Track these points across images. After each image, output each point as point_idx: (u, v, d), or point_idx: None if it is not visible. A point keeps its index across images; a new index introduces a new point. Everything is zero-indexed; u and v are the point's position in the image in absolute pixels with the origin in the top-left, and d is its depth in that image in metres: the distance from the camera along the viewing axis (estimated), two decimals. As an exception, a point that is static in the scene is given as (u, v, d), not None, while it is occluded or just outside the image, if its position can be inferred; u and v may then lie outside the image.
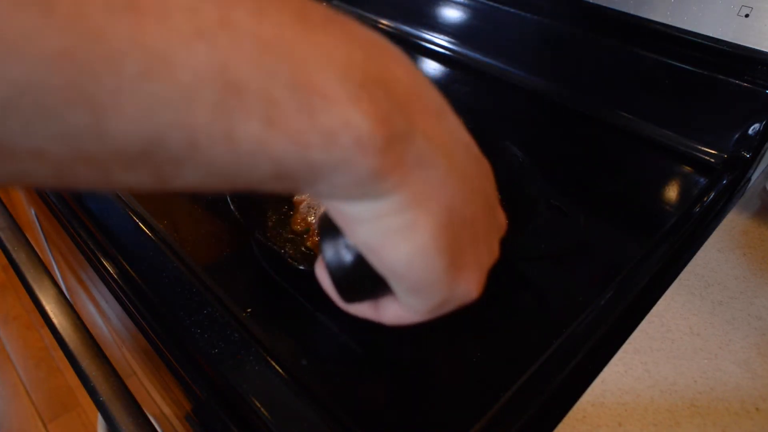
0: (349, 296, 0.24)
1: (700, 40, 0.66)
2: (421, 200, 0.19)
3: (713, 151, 0.68)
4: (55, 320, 0.48)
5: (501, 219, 0.28)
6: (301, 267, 0.41)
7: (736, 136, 0.67)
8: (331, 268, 0.22)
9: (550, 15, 0.81)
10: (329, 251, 0.22)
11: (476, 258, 0.22)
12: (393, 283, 0.21)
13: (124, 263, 0.48)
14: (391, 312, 0.25)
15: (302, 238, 0.50)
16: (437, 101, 0.21)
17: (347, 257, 0.22)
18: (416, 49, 0.96)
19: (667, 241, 0.54)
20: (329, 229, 0.22)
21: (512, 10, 0.84)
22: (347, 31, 0.17)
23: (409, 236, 0.19)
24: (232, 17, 0.14)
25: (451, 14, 0.92)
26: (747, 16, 0.62)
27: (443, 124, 0.20)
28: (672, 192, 0.66)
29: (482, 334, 0.43)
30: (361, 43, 0.17)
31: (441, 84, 0.87)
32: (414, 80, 0.19)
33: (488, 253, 0.24)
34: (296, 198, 0.54)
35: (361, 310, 0.27)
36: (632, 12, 0.71)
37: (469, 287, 0.23)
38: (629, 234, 0.57)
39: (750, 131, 0.65)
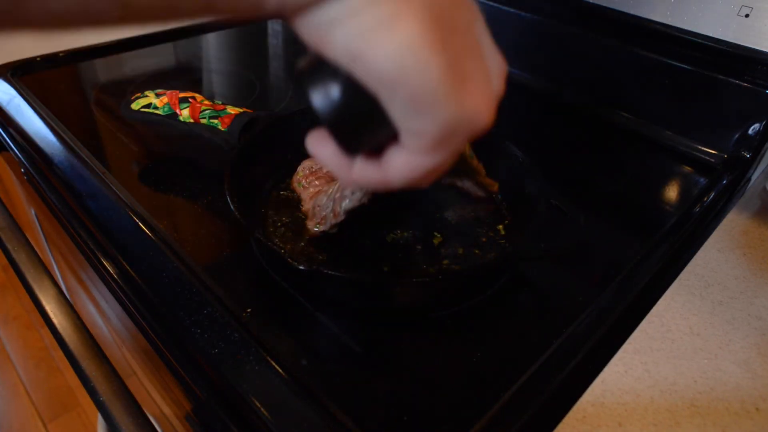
0: (350, 142, 0.22)
1: (700, 40, 0.66)
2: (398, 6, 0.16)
3: (713, 151, 0.68)
4: (55, 320, 0.48)
5: (499, 57, 0.25)
6: (301, 267, 0.41)
7: (736, 136, 0.67)
8: (323, 112, 0.20)
9: (550, 15, 0.81)
10: (316, 96, 0.20)
11: (482, 72, 0.20)
12: (389, 99, 0.19)
13: (124, 263, 0.48)
14: (397, 162, 0.22)
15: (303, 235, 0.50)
16: None
17: (335, 91, 0.19)
18: (416, 49, 0.95)
19: (667, 241, 0.54)
20: (310, 72, 0.20)
21: (512, 10, 0.84)
22: None
23: (392, 29, 0.17)
24: None
25: (451, 14, 0.92)
26: (747, 16, 0.62)
27: None
28: (672, 192, 0.66)
29: (482, 334, 0.43)
30: None
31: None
32: None
33: (495, 77, 0.22)
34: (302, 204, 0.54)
35: (367, 174, 0.23)
36: (632, 12, 0.71)
37: (478, 105, 0.20)
38: (629, 234, 0.57)
39: (750, 131, 0.65)
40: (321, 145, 0.23)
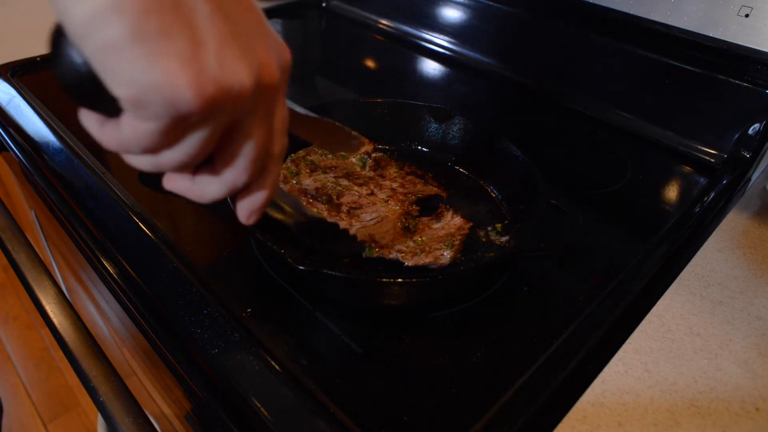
0: (88, 102, 0.23)
1: (700, 40, 0.66)
2: None
3: (713, 151, 0.68)
4: (55, 320, 0.48)
5: (276, 39, 0.26)
6: (301, 267, 0.41)
7: (736, 136, 0.67)
8: (56, 74, 0.22)
9: (551, 15, 0.81)
10: (58, 59, 0.22)
11: (194, 51, 0.21)
12: (82, 46, 0.20)
13: (124, 263, 0.48)
14: (122, 125, 0.23)
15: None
16: None
17: (61, 51, 0.22)
18: (416, 49, 0.96)
19: (667, 241, 0.54)
20: (54, 32, 0.22)
21: (512, 10, 0.84)
22: None
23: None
24: None
25: (451, 14, 0.92)
26: (747, 16, 0.62)
27: None
28: (672, 192, 0.66)
29: (482, 334, 0.43)
30: None
31: (441, 84, 0.87)
32: None
33: (230, 58, 0.22)
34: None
35: (109, 136, 0.25)
36: (632, 12, 0.71)
37: (172, 78, 0.21)
38: (629, 234, 0.57)
39: (750, 131, 0.65)
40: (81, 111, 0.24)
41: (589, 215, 0.58)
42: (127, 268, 0.48)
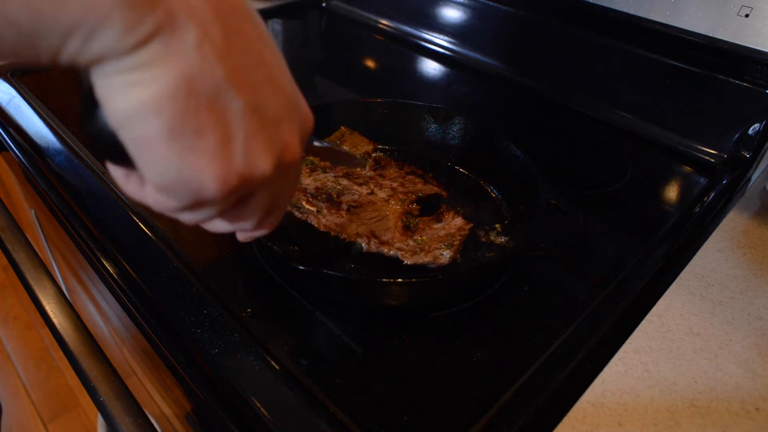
0: (117, 161, 0.24)
1: (700, 40, 0.66)
2: (158, 63, 0.19)
3: (713, 151, 0.68)
4: (55, 320, 0.48)
5: (302, 113, 0.27)
6: (301, 267, 0.41)
7: (736, 136, 0.67)
8: (87, 126, 0.23)
9: (550, 15, 0.81)
10: (88, 120, 0.23)
11: (222, 148, 0.22)
12: (119, 132, 0.21)
13: (124, 263, 0.48)
14: (147, 189, 0.25)
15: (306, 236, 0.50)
16: None
17: (96, 120, 0.23)
18: (416, 49, 0.96)
19: (667, 241, 0.54)
20: (85, 98, 0.23)
21: (512, 9, 0.84)
22: None
23: (131, 93, 0.20)
24: None
25: (451, 14, 0.93)
26: (747, 16, 0.62)
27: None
28: (672, 192, 0.66)
29: (482, 333, 0.43)
30: None
31: (441, 84, 0.87)
32: None
33: (256, 151, 0.23)
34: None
35: (135, 192, 0.26)
36: (632, 12, 0.71)
37: (200, 173, 0.22)
38: (629, 234, 0.57)
39: (750, 131, 0.65)
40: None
41: (589, 215, 0.58)
42: (127, 268, 0.48)
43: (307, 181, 0.56)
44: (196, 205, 0.24)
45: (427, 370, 0.40)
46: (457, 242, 0.49)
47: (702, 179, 0.66)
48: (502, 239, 0.52)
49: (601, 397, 0.38)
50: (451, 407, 0.38)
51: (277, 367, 0.39)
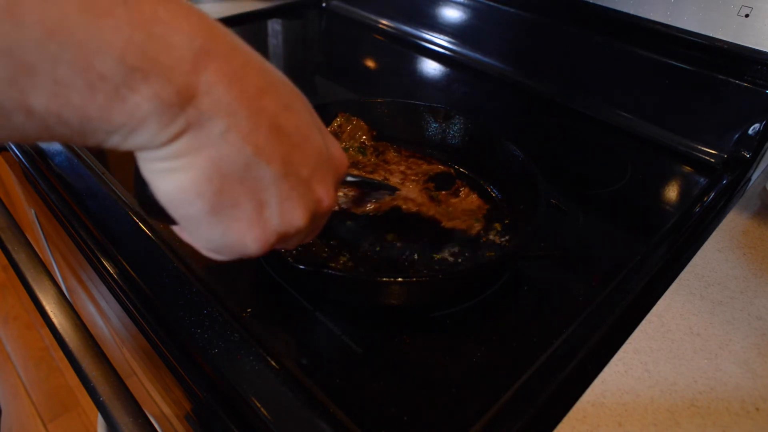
0: (152, 213, 0.27)
1: (700, 40, 0.66)
2: (190, 153, 0.22)
3: (713, 151, 0.68)
4: (55, 320, 0.48)
5: (335, 160, 0.30)
6: (301, 267, 0.41)
7: (736, 136, 0.67)
8: (138, 191, 0.26)
9: (550, 15, 0.81)
10: (138, 184, 0.26)
11: (257, 216, 0.25)
12: (165, 206, 0.25)
13: (124, 263, 0.48)
14: (185, 235, 0.28)
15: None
16: (241, 56, 0.23)
17: (145, 187, 0.25)
18: (416, 49, 0.96)
19: (667, 241, 0.54)
20: (137, 175, 0.26)
21: (512, 9, 0.84)
22: (136, 13, 0.19)
23: (171, 178, 0.23)
24: (17, 8, 0.17)
25: (451, 14, 0.92)
26: (747, 16, 0.62)
27: (242, 83, 0.23)
28: (672, 192, 0.66)
29: (482, 333, 0.43)
30: (144, 23, 0.20)
31: (441, 84, 0.87)
32: (205, 38, 0.21)
33: (289, 210, 0.26)
34: None
35: (189, 240, 0.29)
36: (632, 12, 0.71)
37: (241, 238, 0.25)
38: (629, 234, 0.57)
39: (750, 131, 0.65)
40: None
41: (589, 215, 0.58)
42: (127, 268, 0.48)
43: None
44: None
45: (427, 370, 0.40)
46: (482, 218, 0.53)
47: (702, 179, 0.66)
48: (502, 239, 0.52)
49: (601, 397, 0.38)
50: (451, 407, 0.38)
51: (277, 367, 0.39)
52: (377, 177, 0.56)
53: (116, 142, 0.21)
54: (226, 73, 0.22)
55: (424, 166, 0.59)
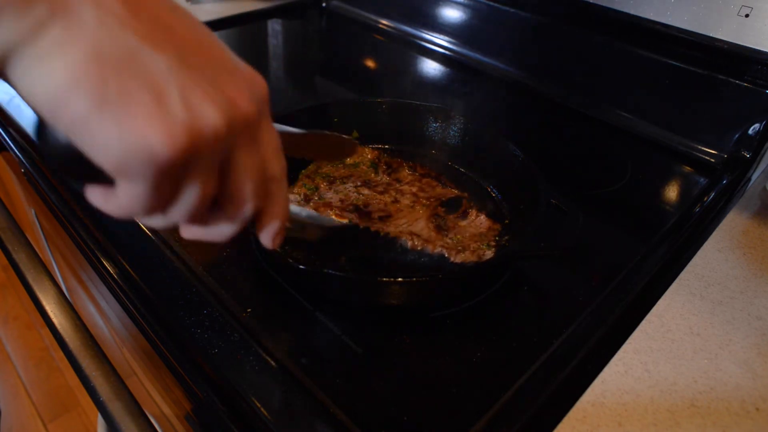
0: (71, 173, 0.24)
1: (700, 40, 0.66)
2: (64, 44, 0.20)
3: (713, 151, 0.68)
4: (55, 320, 0.48)
5: (246, 72, 0.26)
6: (301, 267, 0.41)
7: (736, 136, 0.67)
8: (46, 150, 0.23)
9: (550, 15, 0.81)
10: (45, 145, 0.23)
11: (156, 105, 0.22)
12: (54, 123, 0.21)
13: (124, 263, 0.48)
14: (116, 193, 0.24)
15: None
16: None
17: (51, 136, 0.23)
18: (416, 49, 0.96)
19: (667, 241, 0.54)
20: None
21: (512, 10, 0.84)
22: None
23: (46, 76, 0.20)
24: None
25: (451, 14, 0.93)
26: (747, 16, 0.62)
27: None
28: (672, 192, 0.66)
29: (482, 333, 0.43)
30: None
31: (441, 84, 0.87)
32: None
33: (195, 101, 0.23)
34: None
35: (102, 205, 0.26)
36: (632, 12, 0.71)
37: (143, 136, 0.21)
38: (629, 234, 0.57)
39: (750, 131, 0.65)
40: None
41: (589, 215, 0.58)
42: (127, 268, 0.48)
43: (329, 195, 0.55)
44: (165, 181, 0.23)
45: (427, 370, 0.40)
46: (493, 242, 0.51)
47: (702, 179, 0.66)
48: (502, 239, 0.52)
49: (601, 397, 0.38)
50: (451, 407, 0.38)
51: (277, 367, 0.39)
52: (388, 198, 0.55)
53: None
54: None
55: (438, 189, 0.57)
